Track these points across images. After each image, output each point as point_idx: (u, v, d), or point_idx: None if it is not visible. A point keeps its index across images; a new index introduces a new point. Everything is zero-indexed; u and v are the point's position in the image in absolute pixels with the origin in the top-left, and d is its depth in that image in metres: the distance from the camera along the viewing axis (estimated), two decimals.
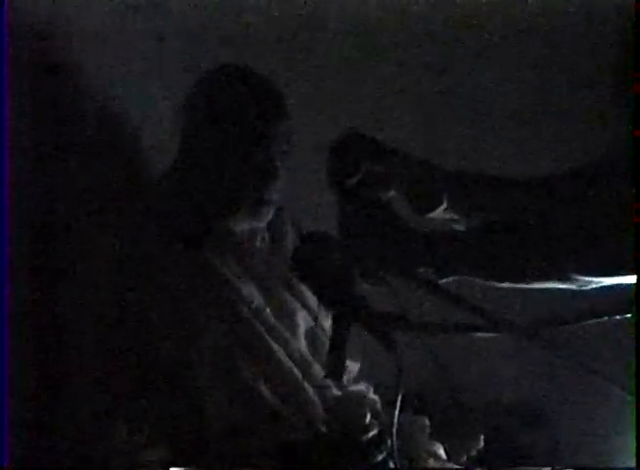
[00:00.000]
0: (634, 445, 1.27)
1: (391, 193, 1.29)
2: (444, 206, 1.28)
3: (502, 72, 2.14)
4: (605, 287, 1.19)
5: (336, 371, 1.34)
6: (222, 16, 2.00)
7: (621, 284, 1.17)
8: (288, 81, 1.84)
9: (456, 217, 1.29)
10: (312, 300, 1.73)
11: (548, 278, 1.21)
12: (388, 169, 1.28)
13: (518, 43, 2.12)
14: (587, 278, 1.18)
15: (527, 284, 1.23)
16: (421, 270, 1.25)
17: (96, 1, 1.84)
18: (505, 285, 1.23)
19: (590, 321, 1.20)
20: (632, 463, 1.45)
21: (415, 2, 2.06)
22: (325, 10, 2.06)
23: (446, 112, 2.17)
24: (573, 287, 1.20)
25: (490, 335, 1.27)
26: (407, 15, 2.07)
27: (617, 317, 1.19)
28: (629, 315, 1.18)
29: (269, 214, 1.74)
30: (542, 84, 2.12)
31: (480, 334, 1.26)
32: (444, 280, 1.26)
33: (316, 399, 1.69)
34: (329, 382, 1.66)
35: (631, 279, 1.15)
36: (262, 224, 1.77)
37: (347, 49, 2.14)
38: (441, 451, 1.82)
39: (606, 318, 1.19)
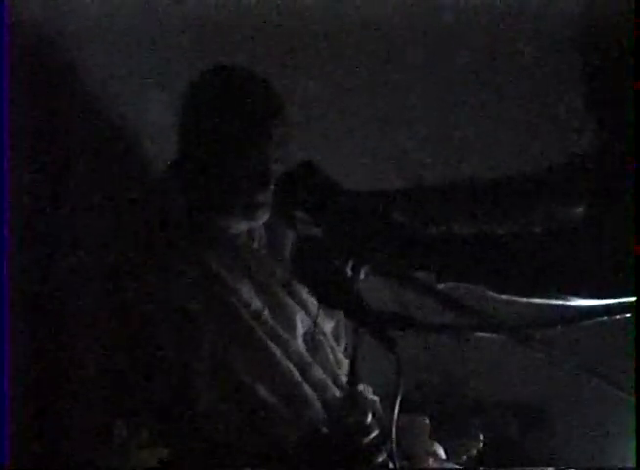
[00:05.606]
0: (634, 445, 1.27)
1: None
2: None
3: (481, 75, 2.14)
4: None
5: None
6: (222, 16, 2.00)
7: None
8: (288, 84, 1.84)
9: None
10: (311, 301, 1.73)
11: (547, 296, 1.22)
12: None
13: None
14: (584, 300, 1.19)
15: (526, 298, 1.23)
16: (420, 274, 1.25)
17: (96, 1, 1.84)
18: (504, 297, 1.24)
19: (590, 321, 1.20)
20: (632, 463, 1.45)
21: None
22: (327, 12, 2.06)
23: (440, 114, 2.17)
24: (571, 304, 1.20)
25: (490, 335, 1.27)
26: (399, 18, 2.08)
27: (617, 317, 1.19)
28: (629, 315, 1.18)
29: (265, 216, 1.73)
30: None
31: (479, 334, 1.26)
32: (443, 285, 1.26)
33: (316, 399, 1.69)
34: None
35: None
36: (259, 225, 1.77)
37: (348, 49, 2.14)
38: (441, 451, 1.82)
39: (606, 318, 1.19)
